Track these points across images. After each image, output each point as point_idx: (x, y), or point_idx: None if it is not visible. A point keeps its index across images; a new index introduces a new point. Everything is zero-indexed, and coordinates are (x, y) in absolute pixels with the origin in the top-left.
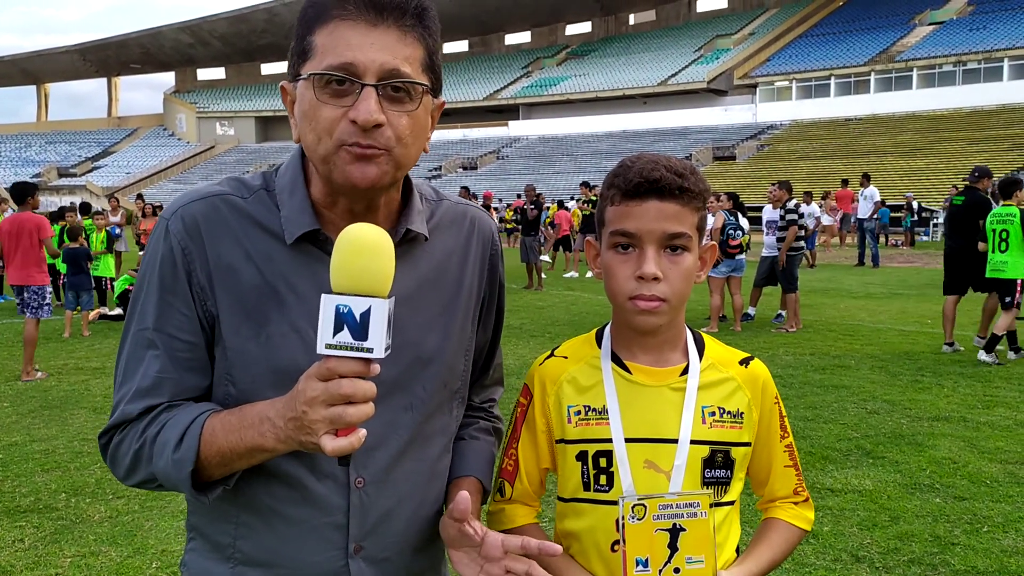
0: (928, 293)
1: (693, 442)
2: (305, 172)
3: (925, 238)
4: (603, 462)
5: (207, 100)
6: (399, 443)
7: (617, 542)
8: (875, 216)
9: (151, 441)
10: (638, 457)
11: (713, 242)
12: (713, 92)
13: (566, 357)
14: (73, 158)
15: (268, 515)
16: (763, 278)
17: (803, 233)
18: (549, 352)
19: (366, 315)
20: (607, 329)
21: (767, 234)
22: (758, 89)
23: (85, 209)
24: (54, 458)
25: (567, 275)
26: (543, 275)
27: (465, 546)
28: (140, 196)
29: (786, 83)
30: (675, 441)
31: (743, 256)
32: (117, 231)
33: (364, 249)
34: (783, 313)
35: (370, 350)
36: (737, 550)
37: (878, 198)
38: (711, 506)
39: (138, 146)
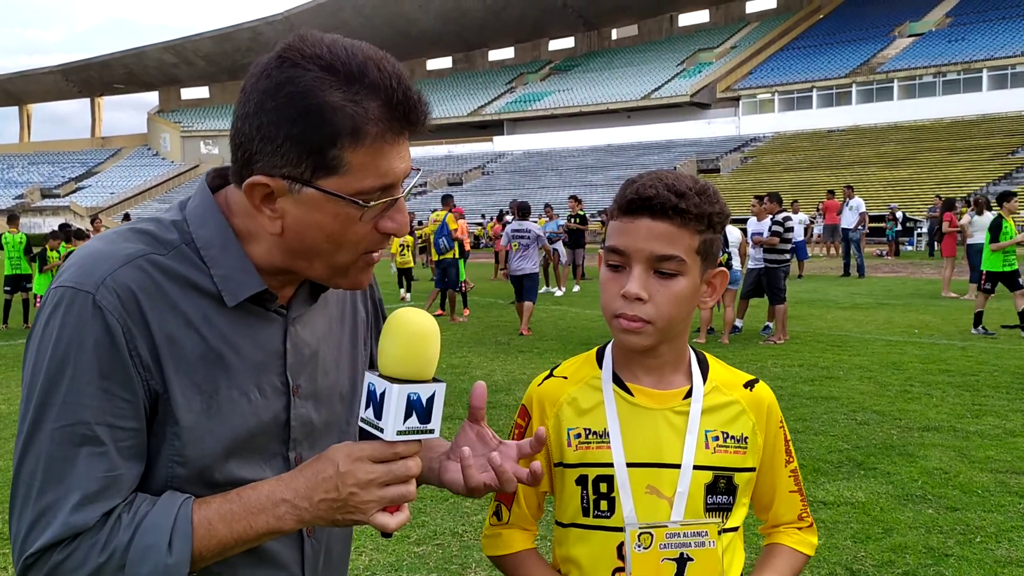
0: (914, 303)
1: (696, 467)
2: (233, 228)
3: (909, 248)
4: (604, 487)
5: (191, 119)
6: None
7: (619, 569)
8: (859, 226)
9: (123, 550)
10: (640, 482)
11: (723, 268)
12: (696, 105)
13: (566, 377)
14: (56, 179)
15: None
16: (749, 290)
17: (788, 246)
18: (548, 372)
19: (431, 400)
20: (608, 349)
21: (752, 246)
22: (741, 102)
23: (66, 234)
24: None
25: (548, 290)
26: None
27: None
28: (127, 216)
29: (768, 95)
30: (678, 466)
31: (738, 269)
32: None
33: (426, 338)
34: (770, 325)
35: (432, 431)
36: None
37: (863, 208)
38: (718, 533)
39: (122, 166)
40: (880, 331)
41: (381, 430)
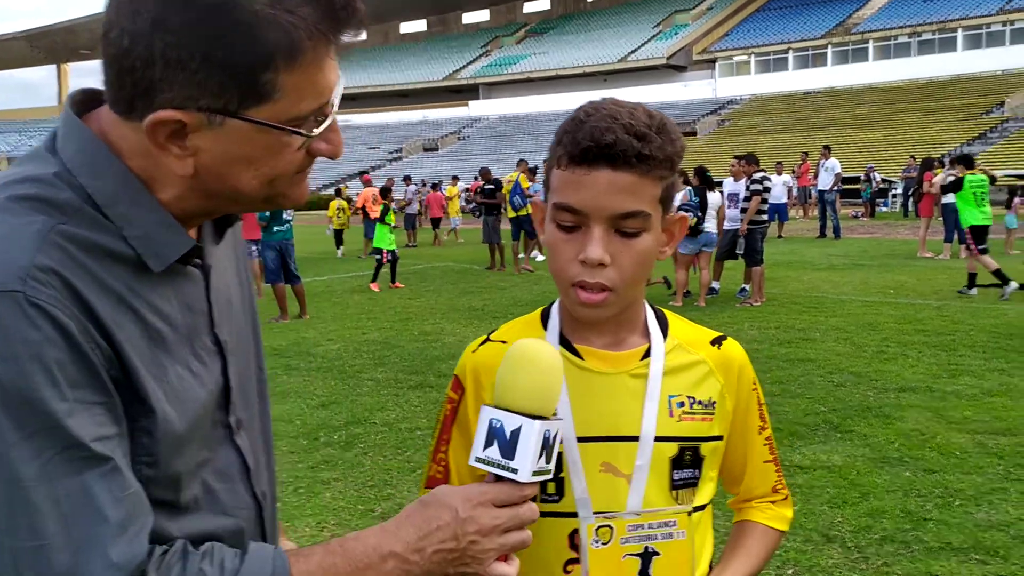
0: (889, 264)
1: (659, 439)
2: (136, 176)
3: (884, 209)
4: None
5: None
6: (268, 454)
7: (572, 561)
8: (835, 187)
9: None
10: (593, 459)
11: (683, 213)
12: (673, 68)
13: (504, 342)
14: (24, 148)
15: None
16: (724, 252)
17: (766, 206)
18: (484, 337)
19: (516, 434)
20: (554, 308)
21: (729, 207)
22: (717, 64)
23: None
24: None
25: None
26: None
27: None
28: None
29: (745, 58)
30: (637, 439)
31: (714, 232)
32: None
33: (558, 371)
34: (747, 287)
35: (514, 471)
36: (711, 565)
37: (838, 170)
38: (689, 514)
39: None
40: (856, 292)
41: (514, 471)
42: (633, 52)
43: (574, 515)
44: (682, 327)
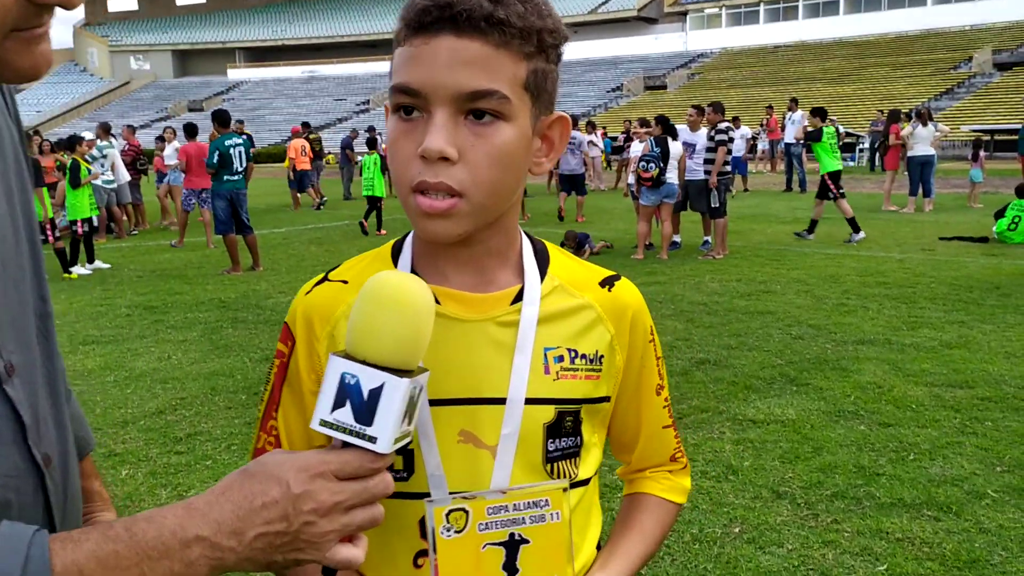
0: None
1: (531, 401)
2: None
3: (851, 163)
4: None
5: (120, 33)
6: (58, 407)
7: (424, 553)
8: (800, 140)
9: None
10: (450, 427)
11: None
12: (644, 20)
13: (345, 282)
14: None
15: None
16: (680, 203)
17: (729, 158)
18: (322, 275)
19: (376, 393)
20: (408, 239)
21: (688, 157)
22: (688, 17)
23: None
24: None
25: None
26: None
27: None
28: (37, 132)
29: (716, 10)
30: (504, 401)
31: (676, 182)
32: None
33: (432, 315)
34: (709, 239)
35: (372, 439)
36: (598, 545)
37: (805, 123)
38: (566, 490)
39: (49, 83)
40: (819, 244)
41: (372, 439)
42: (604, 3)
43: (427, 496)
44: (566, 264)
